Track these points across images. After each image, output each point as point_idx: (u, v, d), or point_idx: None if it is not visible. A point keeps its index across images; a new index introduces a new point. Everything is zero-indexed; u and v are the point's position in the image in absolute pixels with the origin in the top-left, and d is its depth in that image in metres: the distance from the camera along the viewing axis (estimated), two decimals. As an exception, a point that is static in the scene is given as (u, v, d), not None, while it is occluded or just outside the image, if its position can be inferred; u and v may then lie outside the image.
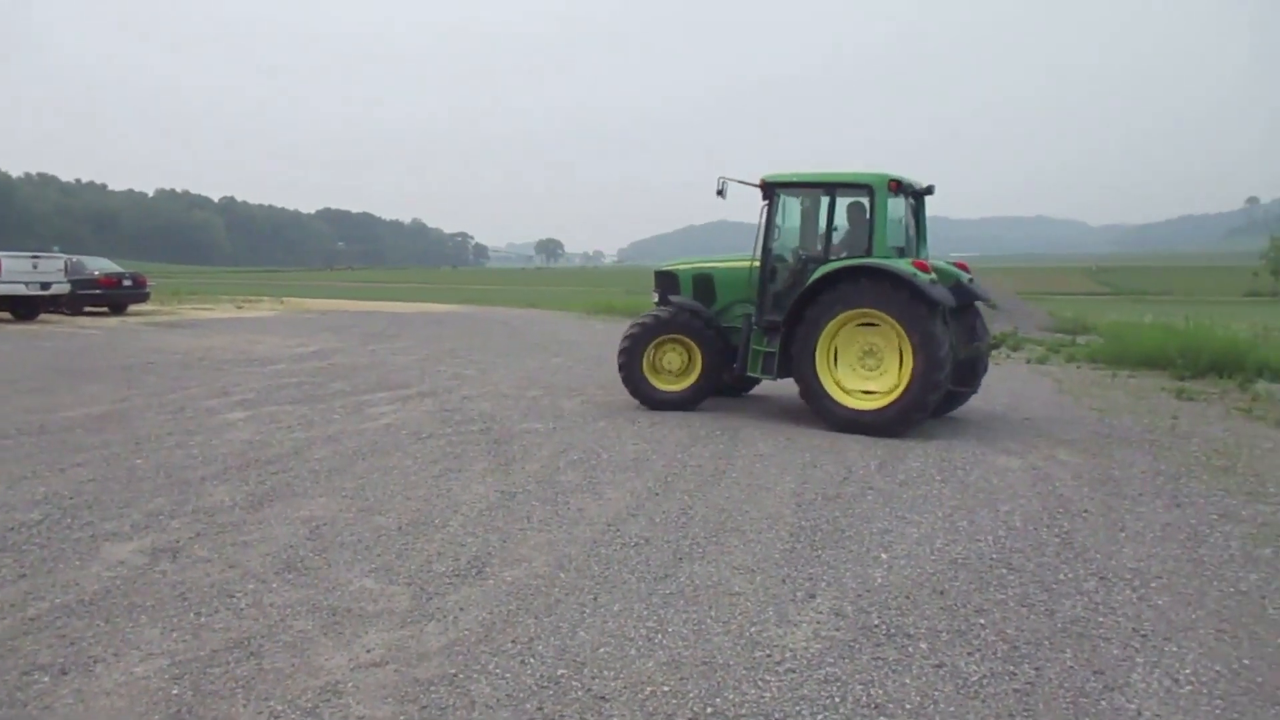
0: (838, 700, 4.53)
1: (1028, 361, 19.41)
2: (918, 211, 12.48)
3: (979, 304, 12.45)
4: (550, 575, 6.24)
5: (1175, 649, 5.15)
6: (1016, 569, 6.41)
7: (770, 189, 12.22)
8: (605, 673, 4.82)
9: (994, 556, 6.66)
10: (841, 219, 12.10)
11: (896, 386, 11.01)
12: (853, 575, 6.26)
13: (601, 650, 5.08)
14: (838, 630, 5.37)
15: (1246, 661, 5.00)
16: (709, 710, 4.42)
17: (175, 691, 4.56)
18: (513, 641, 5.19)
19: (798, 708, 4.45)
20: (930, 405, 10.96)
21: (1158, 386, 15.31)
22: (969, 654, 5.06)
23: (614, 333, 27.17)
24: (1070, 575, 6.30)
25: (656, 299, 13.66)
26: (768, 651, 5.07)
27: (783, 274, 12.32)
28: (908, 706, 4.47)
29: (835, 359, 11.50)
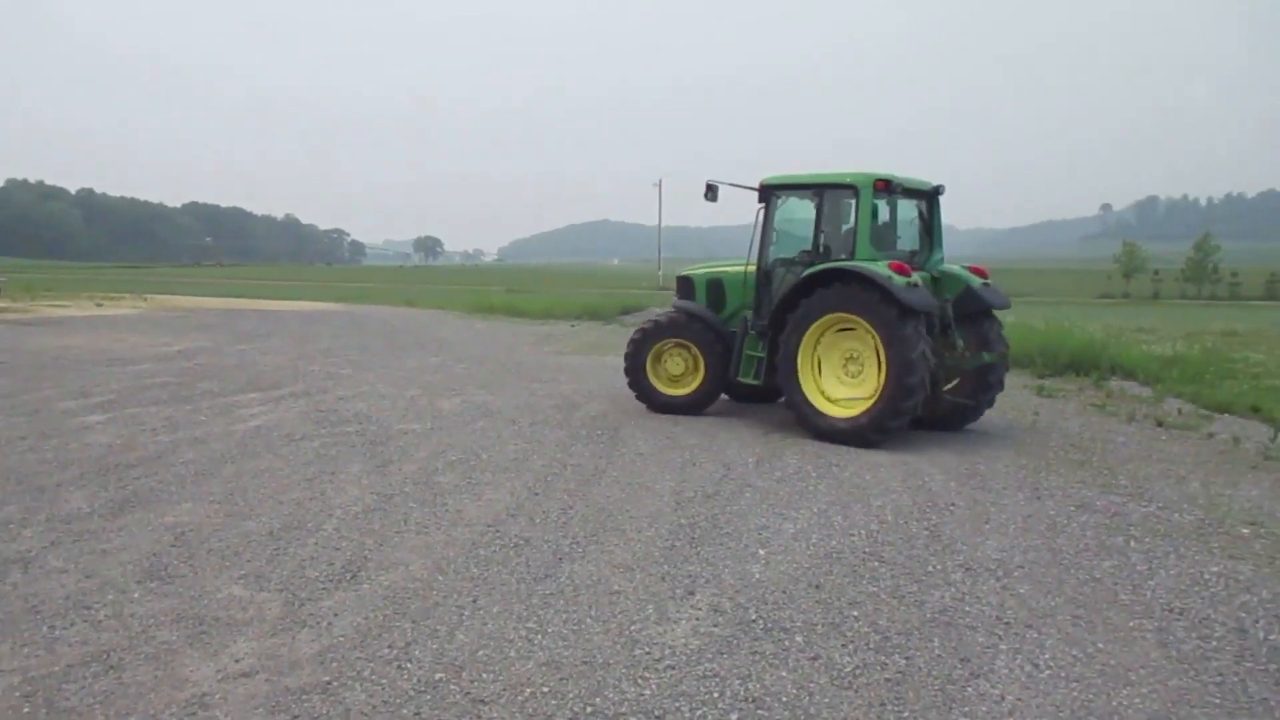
0: (716, 696, 4.58)
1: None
2: (930, 213, 12.03)
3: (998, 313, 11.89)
4: (428, 578, 6.14)
5: (1036, 635, 5.38)
6: (888, 561, 6.59)
7: (767, 191, 12.01)
8: (484, 675, 4.77)
9: (867, 550, 6.84)
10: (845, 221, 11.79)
11: (873, 394, 10.59)
12: (731, 571, 6.34)
13: (480, 653, 5.03)
14: (716, 626, 5.43)
15: (1101, 645, 5.25)
16: (589, 710, 4.42)
17: (27, 710, 4.33)
18: (389, 647, 5.09)
19: (677, 704, 4.48)
20: (905, 414, 10.42)
21: (1020, 385, 15.94)
22: (843, 646, 5.18)
23: (495, 331, 26.96)
24: (939, 567, 6.52)
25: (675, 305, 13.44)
26: (648, 649, 5.09)
27: (779, 278, 12.00)
28: (784, 699, 4.55)
29: (820, 366, 11.19)
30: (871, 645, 5.20)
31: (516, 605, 5.71)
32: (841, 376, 11.07)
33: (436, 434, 10.86)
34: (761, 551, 6.78)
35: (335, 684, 4.65)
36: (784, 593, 5.97)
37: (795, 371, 11.12)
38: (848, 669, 4.90)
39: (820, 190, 11.66)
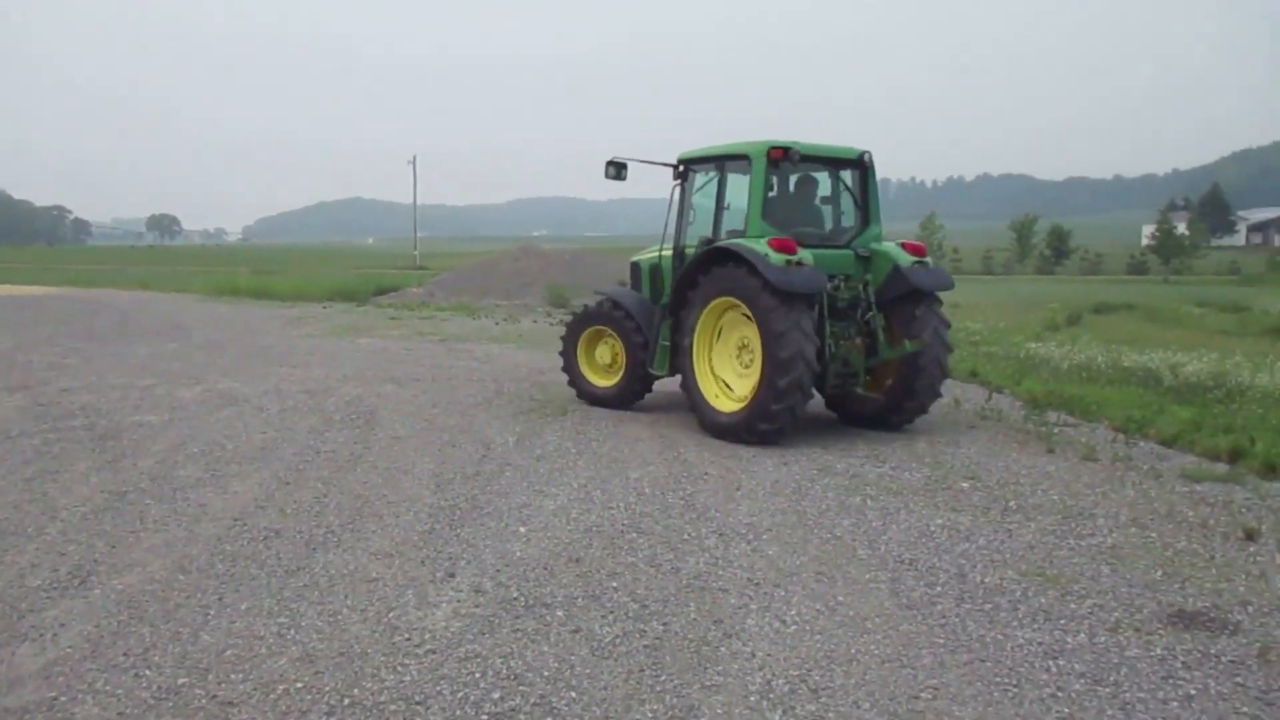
0: (478, 676, 4.56)
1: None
2: (861, 184, 10.78)
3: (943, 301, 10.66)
4: (168, 579, 5.77)
5: (783, 593, 5.68)
6: (646, 532, 6.77)
7: (684, 167, 11.17)
8: (233, 676, 4.53)
9: (625, 522, 7.00)
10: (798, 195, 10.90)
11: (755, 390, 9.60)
12: (492, 551, 6.32)
13: (228, 652, 4.78)
14: (478, 607, 5.40)
15: (841, 598, 5.61)
16: (346, 702, 4.29)
17: None
18: (124, 655, 4.74)
19: (438, 688, 4.43)
20: (780, 414, 9.38)
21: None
22: (603, 617, 5.28)
23: (240, 315, 25.56)
24: (694, 534, 6.75)
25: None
26: (407, 635, 5.00)
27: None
28: (545, 674, 4.59)
29: (716, 354, 10.34)
30: (630, 614, 5.33)
31: (267, 600, 5.46)
32: (736, 366, 10.19)
33: (175, 425, 10.20)
34: (522, 529, 6.80)
35: (63, 699, 4.29)
36: (545, 569, 6.01)
37: (690, 359, 10.31)
38: (608, 639, 5.00)
39: (721, 163, 10.72)
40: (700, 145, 11.26)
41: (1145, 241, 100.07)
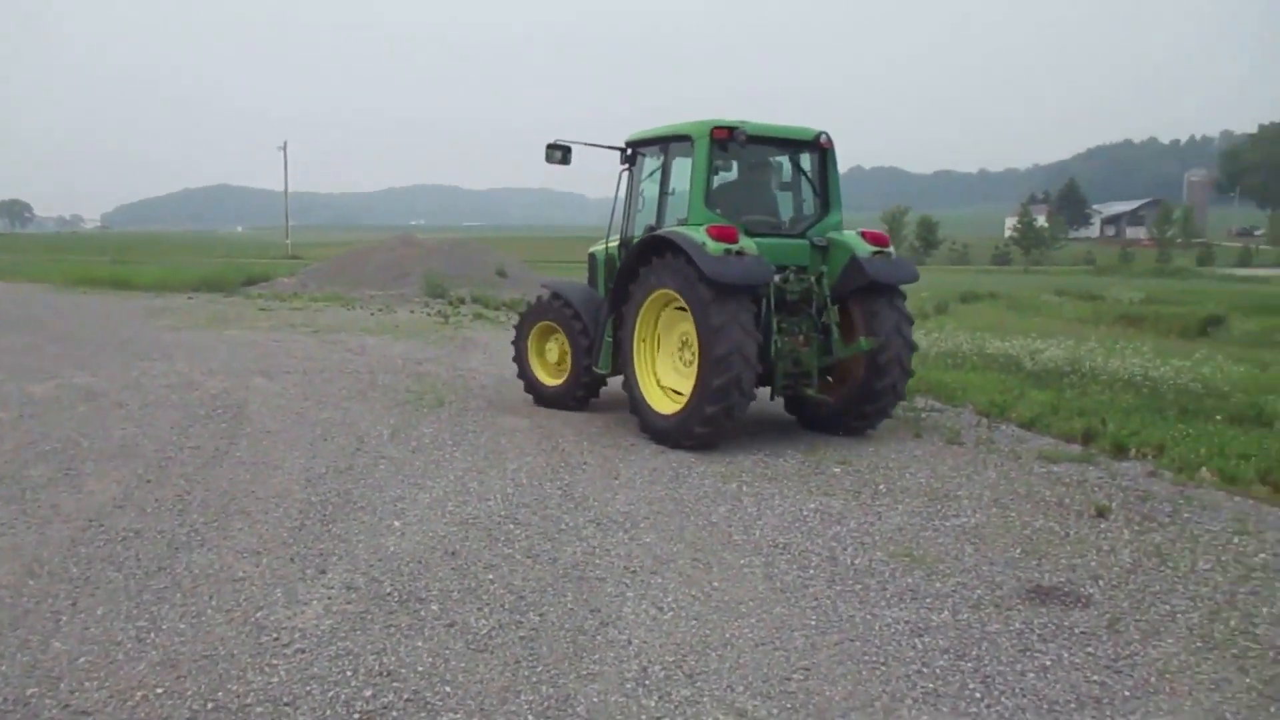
0: (349, 674, 4.46)
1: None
2: (819, 168, 10.02)
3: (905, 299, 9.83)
4: (16, 584, 5.47)
5: (660, 580, 5.71)
6: (523, 523, 6.73)
7: (630, 150, 10.52)
8: (87, 684, 4.33)
9: (503, 513, 6.94)
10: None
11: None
12: (365, 546, 6.19)
13: (81, 660, 4.56)
14: (350, 603, 5.28)
15: (716, 583, 5.68)
16: (210, 706, 4.15)
17: None
18: (-34, 665, 4.48)
19: (308, 688, 4.32)
20: (715, 417, 8.70)
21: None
22: (478, 609, 5.23)
23: (98, 306, 24.39)
24: (571, 523, 6.74)
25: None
26: (275, 634, 4.86)
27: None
28: (419, 669, 4.52)
29: (659, 350, 9.67)
30: (507, 606, 5.29)
31: (125, 603, 5.23)
32: (678, 364, 9.48)
33: (26, 422, 9.67)
34: (397, 523, 6.67)
35: (-104, 716, 4.02)
36: (420, 563, 5.92)
37: (631, 357, 9.60)
38: (483, 632, 4.95)
39: (666, 145, 9.97)
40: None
41: (1008, 233, 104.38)
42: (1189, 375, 12.36)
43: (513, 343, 11.61)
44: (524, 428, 9.90)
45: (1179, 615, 5.30)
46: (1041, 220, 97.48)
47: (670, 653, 4.75)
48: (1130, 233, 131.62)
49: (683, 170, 9.66)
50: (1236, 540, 6.55)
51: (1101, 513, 7.12)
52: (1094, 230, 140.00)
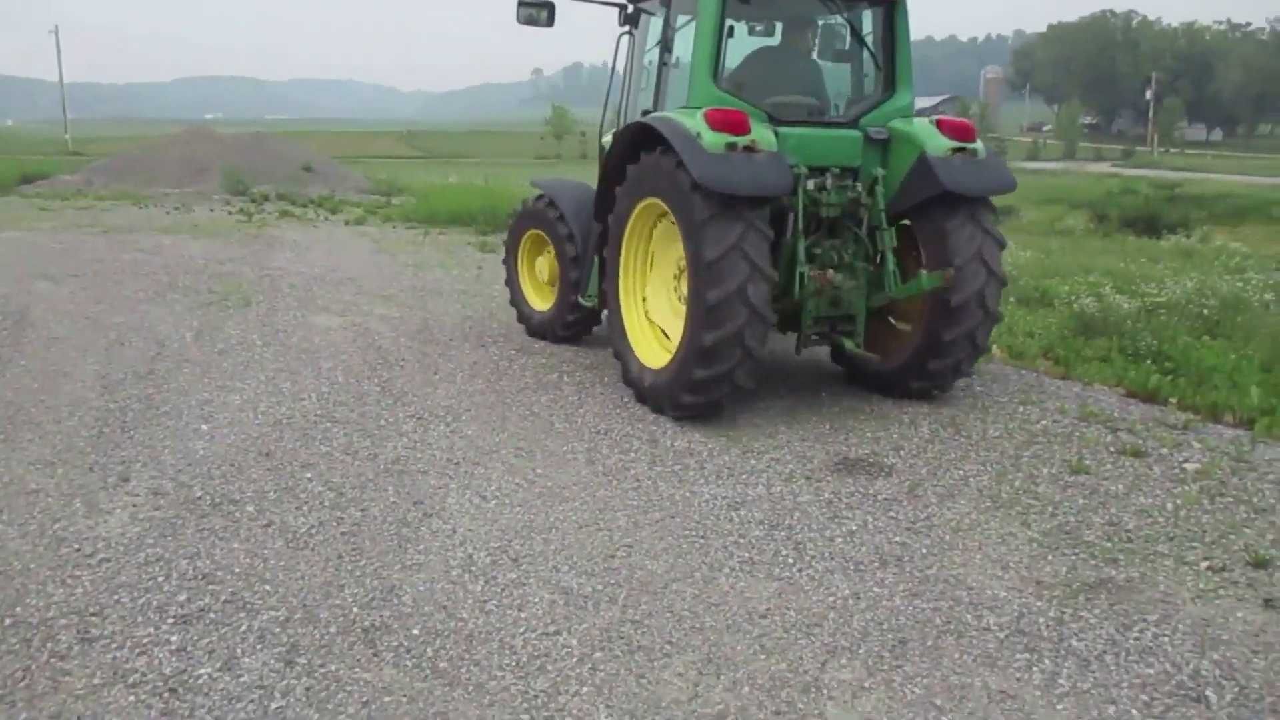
0: (161, 580, 4.30)
1: (346, 223, 19.67)
2: (888, 31, 7.29)
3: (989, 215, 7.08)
4: None
5: (483, 470, 5.72)
6: (341, 421, 6.58)
7: (631, 7, 8.04)
8: None
9: (318, 412, 6.76)
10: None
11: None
12: (171, 451, 5.92)
13: None
14: (158, 510, 5.06)
15: (540, 470, 5.74)
16: (9, 622, 3.93)
17: None
18: None
19: (116, 597, 4.14)
20: (708, 383, 6.41)
21: (464, 241, 16.50)
22: (297, 508, 5.11)
23: None
24: (391, 419, 6.64)
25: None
26: (77, 546, 4.62)
27: None
28: (236, 570, 4.40)
29: (649, 278, 7.40)
30: (327, 503, 5.19)
31: (-98, 523, 4.85)
32: (671, 298, 7.12)
33: None
34: (205, 427, 6.40)
35: None
36: (232, 465, 5.72)
37: (616, 287, 7.36)
38: (303, 530, 4.85)
39: (666, 1, 7.42)
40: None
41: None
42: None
43: (503, 261, 9.75)
44: (338, 326, 9.59)
45: (970, 479, 5.72)
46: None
47: (495, 539, 4.79)
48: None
49: (689, 35, 7.17)
50: (1021, 409, 7.08)
51: (903, 389, 7.51)
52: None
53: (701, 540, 4.83)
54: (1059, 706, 3.51)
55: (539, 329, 9.13)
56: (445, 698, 3.50)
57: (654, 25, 7.70)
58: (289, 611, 4.07)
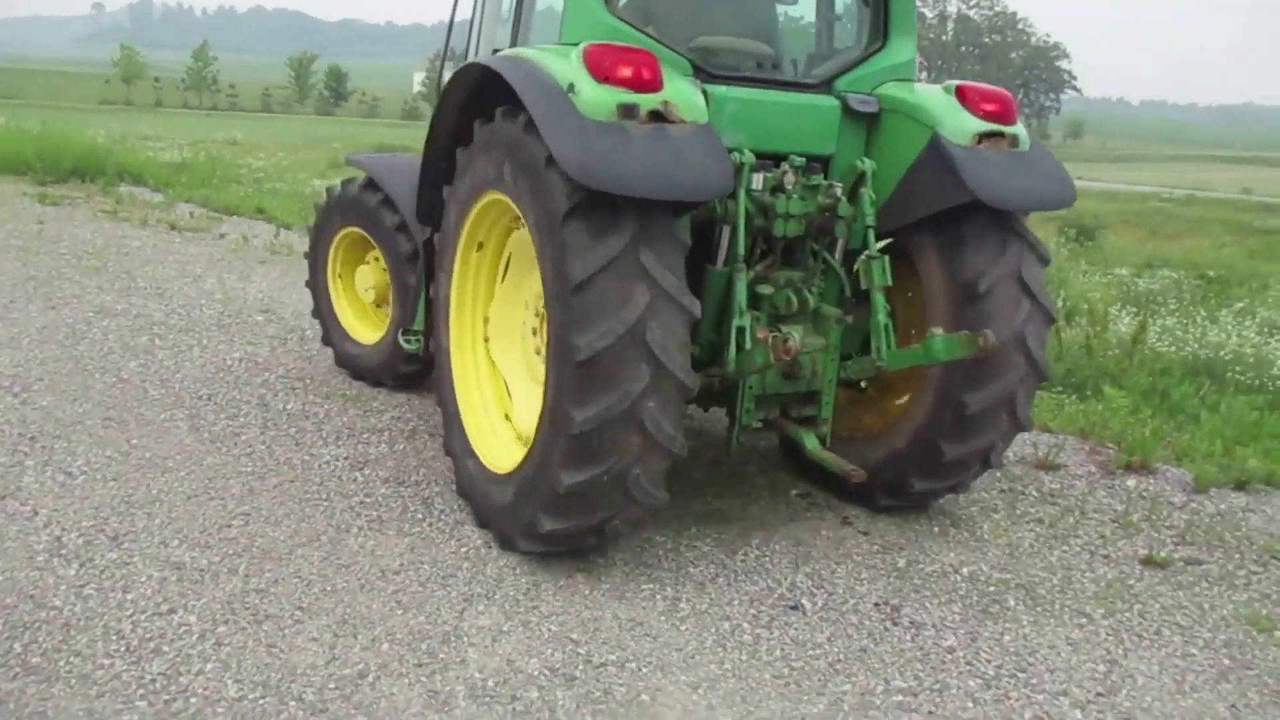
0: None
1: None
2: None
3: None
4: None
5: (66, 444, 5.11)
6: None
7: None
8: None
9: None
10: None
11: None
12: None
13: None
14: None
15: (135, 440, 5.22)
16: None
17: None
18: None
19: None
20: (578, 505, 3.88)
21: (19, 192, 14.52)
22: None
23: None
24: (-58, 393, 5.73)
25: None
26: None
27: None
28: None
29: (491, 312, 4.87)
30: None
31: None
32: (535, 343, 4.51)
33: None
34: None
35: None
36: None
37: (445, 314, 4.81)
38: None
39: None
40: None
41: (417, 88, 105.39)
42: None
43: (306, 282, 6.95)
44: None
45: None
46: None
47: (87, 518, 4.31)
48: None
49: None
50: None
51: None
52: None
53: (325, 503, 4.65)
54: (682, 628, 3.80)
55: (370, 370, 6.43)
56: (42, 695, 3.11)
57: None
58: None
